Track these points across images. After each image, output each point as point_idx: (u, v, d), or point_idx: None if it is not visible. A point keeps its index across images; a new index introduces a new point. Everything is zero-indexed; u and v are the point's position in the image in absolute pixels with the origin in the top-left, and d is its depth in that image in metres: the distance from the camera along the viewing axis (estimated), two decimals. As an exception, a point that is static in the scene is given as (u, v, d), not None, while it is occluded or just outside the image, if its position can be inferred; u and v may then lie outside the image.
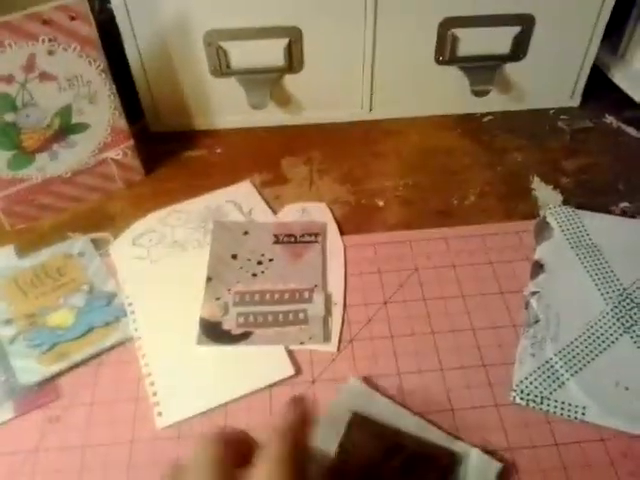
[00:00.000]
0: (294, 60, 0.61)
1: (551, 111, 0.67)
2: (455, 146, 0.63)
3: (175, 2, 0.57)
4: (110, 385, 0.45)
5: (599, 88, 0.67)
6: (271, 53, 0.60)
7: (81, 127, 0.54)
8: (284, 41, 0.59)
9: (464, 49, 0.61)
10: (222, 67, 0.61)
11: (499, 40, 0.61)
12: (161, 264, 0.52)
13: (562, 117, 0.66)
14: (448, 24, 0.59)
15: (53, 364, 0.46)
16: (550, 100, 0.67)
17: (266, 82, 0.62)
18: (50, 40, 0.48)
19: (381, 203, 0.57)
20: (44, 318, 0.48)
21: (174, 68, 0.61)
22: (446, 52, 0.61)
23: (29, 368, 0.46)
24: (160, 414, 0.42)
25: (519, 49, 0.62)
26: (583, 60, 0.64)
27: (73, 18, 0.49)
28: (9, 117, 0.50)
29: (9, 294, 0.50)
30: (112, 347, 0.47)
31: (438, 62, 0.62)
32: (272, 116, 0.65)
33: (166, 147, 0.64)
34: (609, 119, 0.66)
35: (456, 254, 0.52)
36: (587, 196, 0.57)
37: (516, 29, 0.60)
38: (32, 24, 0.47)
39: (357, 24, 0.59)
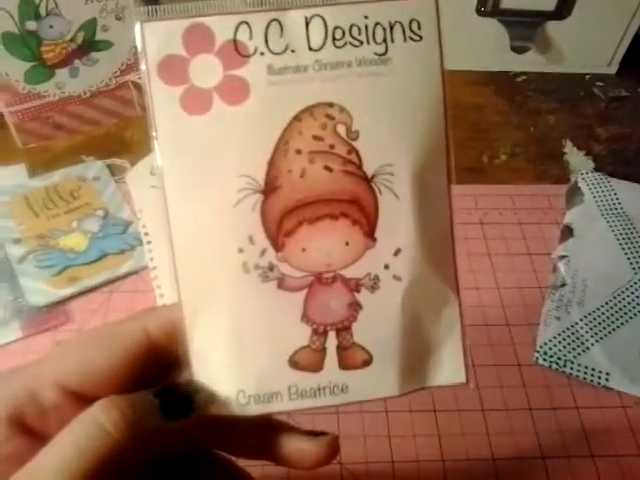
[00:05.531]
0: None
1: (587, 76, 0.64)
2: (487, 103, 0.61)
3: None
4: (122, 313, 0.42)
5: (637, 58, 0.65)
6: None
7: (105, 44, 0.51)
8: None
9: (508, 1, 0.58)
10: None
11: (545, -5, 0.58)
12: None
13: (597, 83, 0.64)
14: (495, -28, 0.57)
15: (64, 287, 0.44)
16: (587, 65, 0.64)
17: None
18: (80, -56, 0.46)
19: (409, 154, 0.55)
20: (56, 240, 0.46)
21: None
22: (489, 2, 0.58)
23: (38, 289, 0.44)
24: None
25: (564, 7, 0.59)
26: (627, 27, 0.61)
27: None
28: (31, 25, 0.47)
29: (19, 213, 0.48)
30: (126, 275, 0.45)
31: (479, 12, 0.59)
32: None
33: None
34: (645, 90, 0.64)
35: (484, 212, 0.51)
36: (619, 165, 0.55)
37: (565, -15, 0.58)
38: None
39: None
